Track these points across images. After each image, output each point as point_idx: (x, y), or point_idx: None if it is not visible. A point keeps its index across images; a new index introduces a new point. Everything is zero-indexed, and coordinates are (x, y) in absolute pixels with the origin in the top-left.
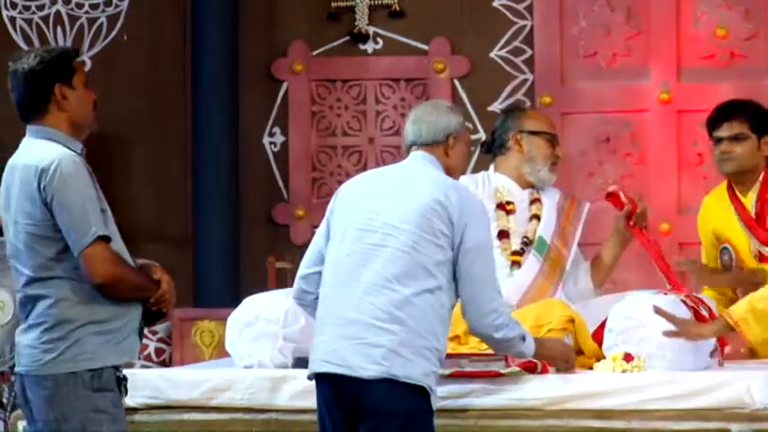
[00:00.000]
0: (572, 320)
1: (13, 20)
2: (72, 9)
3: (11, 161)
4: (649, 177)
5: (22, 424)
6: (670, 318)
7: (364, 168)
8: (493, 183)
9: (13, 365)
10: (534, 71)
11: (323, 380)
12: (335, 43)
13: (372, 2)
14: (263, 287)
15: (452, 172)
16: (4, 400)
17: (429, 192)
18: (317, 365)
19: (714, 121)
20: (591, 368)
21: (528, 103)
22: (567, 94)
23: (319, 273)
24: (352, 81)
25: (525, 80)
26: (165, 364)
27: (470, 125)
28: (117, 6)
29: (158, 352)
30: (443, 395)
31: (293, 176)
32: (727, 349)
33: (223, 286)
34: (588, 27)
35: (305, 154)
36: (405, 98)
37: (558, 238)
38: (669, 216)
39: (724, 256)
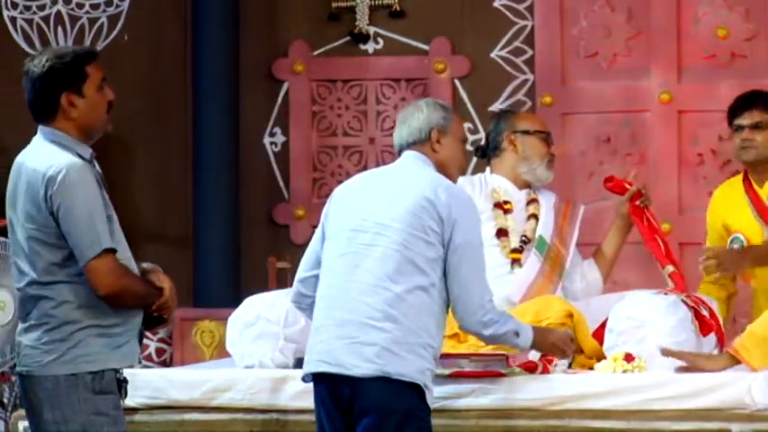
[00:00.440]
0: (570, 315)
1: (13, 20)
2: (73, 9)
3: (19, 158)
4: (650, 177)
5: (22, 424)
6: (679, 356)
7: (365, 168)
8: (489, 184)
9: (14, 365)
10: (535, 71)
11: (319, 380)
12: (336, 43)
13: (373, 2)
14: (263, 287)
15: (446, 167)
16: (5, 400)
17: (418, 190)
18: (313, 366)
19: (736, 110)
20: (591, 368)
21: (529, 103)
22: (568, 94)
23: (316, 276)
24: (353, 81)
25: (526, 80)
26: (166, 364)
27: (471, 125)
28: (118, 6)
29: (159, 352)
30: (443, 395)
31: (294, 176)
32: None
33: (223, 286)
34: (589, 27)
35: (305, 154)
36: (405, 98)
37: (557, 238)
38: (669, 216)
39: (734, 246)
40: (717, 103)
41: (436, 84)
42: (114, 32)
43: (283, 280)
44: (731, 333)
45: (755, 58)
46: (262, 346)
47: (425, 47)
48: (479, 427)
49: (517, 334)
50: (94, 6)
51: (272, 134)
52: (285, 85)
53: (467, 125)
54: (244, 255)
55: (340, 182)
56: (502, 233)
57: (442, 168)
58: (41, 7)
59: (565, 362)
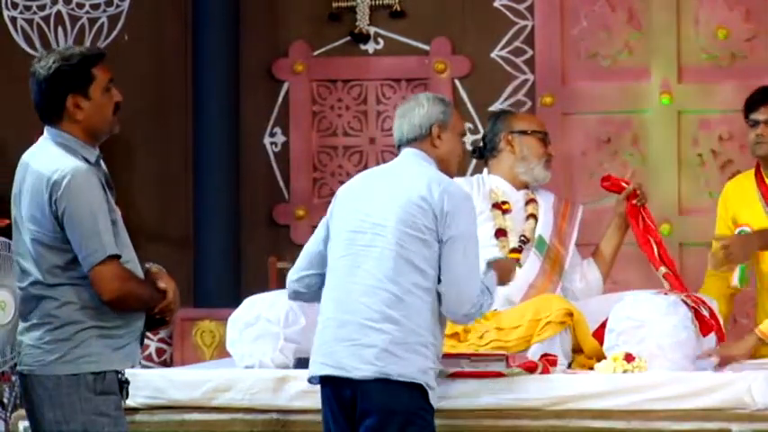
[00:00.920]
0: (570, 314)
1: (14, 20)
2: (73, 9)
3: (25, 157)
4: (650, 177)
5: (22, 424)
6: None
7: (365, 168)
8: (487, 184)
9: (14, 365)
10: (535, 71)
11: (324, 382)
12: (336, 43)
13: (373, 2)
14: (263, 287)
15: (446, 161)
16: (5, 400)
17: (413, 188)
18: (316, 368)
19: (752, 104)
20: (591, 368)
21: (529, 103)
22: (568, 94)
23: (313, 275)
24: (353, 81)
25: (526, 80)
26: (166, 364)
27: (471, 125)
28: (118, 6)
29: (159, 352)
30: (443, 395)
31: (294, 177)
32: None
33: (224, 286)
34: (589, 27)
35: (306, 154)
36: (406, 98)
37: (557, 238)
38: (669, 216)
39: None
40: (717, 103)
41: (436, 84)
42: (114, 32)
43: (284, 280)
44: (731, 333)
45: (755, 58)
46: (262, 346)
47: (426, 47)
48: (479, 427)
49: (489, 291)
50: (95, 6)
51: (272, 134)
52: (285, 86)
53: (467, 125)
54: (244, 255)
55: (340, 182)
56: (501, 233)
57: (441, 163)
58: (41, 7)
59: (565, 362)
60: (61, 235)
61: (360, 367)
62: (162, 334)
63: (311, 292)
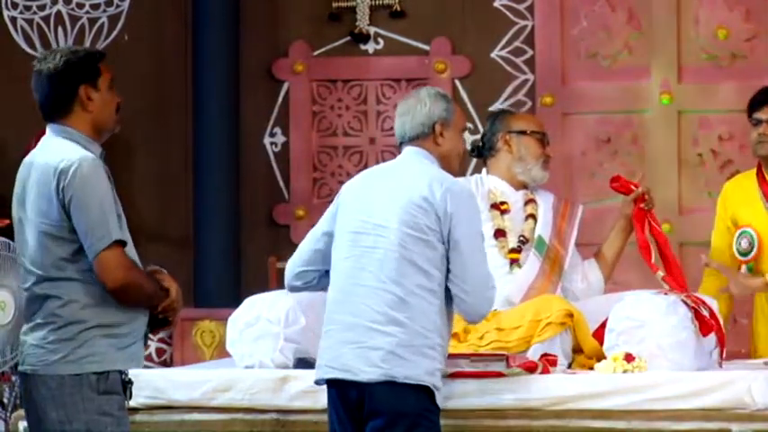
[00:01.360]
0: (570, 315)
1: (14, 20)
2: (73, 9)
3: (27, 159)
4: (650, 178)
5: (22, 424)
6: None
7: (365, 169)
8: (486, 184)
9: (15, 365)
10: (535, 71)
11: (330, 385)
12: (336, 43)
13: (373, 2)
14: (263, 287)
15: (448, 158)
16: (5, 400)
17: (415, 189)
18: (323, 371)
19: (755, 104)
20: (591, 368)
21: (529, 103)
22: (568, 94)
23: (311, 271)
24: (353, 81)
25: (526, 80)
26: (166, 364)
27: (471, 125)
28: (118, 6)
29: (159, 352)
30: (443, 395)
31: (294, 177)
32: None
33: (224, 286)
34: (589, 27)
35: (306, 154)
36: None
37: (556, 239)
38: (670, 216)
39: (742, 241)
40: (717, 103)
41: (436, 84)
42: (114, 32)
43: (283, 280)
44: (731, 333)
45: (755, 58)
46: (262, 346)
47: (426, 47)
48: (479, 427)
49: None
50: (95, 6)
51: (272, 134)
52: (285, 86)
53: (467, 125)
54: (244, 255)
55: (340, 182)
56: (500, 233)
57: (443, 161)
58: (41, 7)
59: (565, 362)
60: (68, 224)
61: (366, 370)
62: (162, 334)
63: (311, 285)
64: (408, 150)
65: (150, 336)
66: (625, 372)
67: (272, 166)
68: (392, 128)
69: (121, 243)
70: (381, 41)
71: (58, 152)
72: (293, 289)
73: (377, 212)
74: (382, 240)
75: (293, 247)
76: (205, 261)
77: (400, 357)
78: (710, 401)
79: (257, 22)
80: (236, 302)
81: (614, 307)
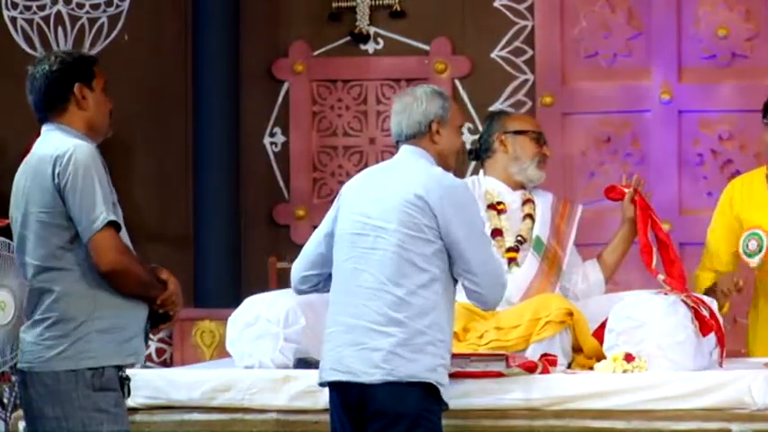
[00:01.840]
0: (570, 314)
1: (14, 20)
2: (73, 9)
3: (26, 158)
4: (650, 177)
5: (22, 424)
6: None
7: (365, 168)
8: (483, 186)
9: (14, 365)
10: (535, 71)
11: (332, 388)
12: (336, 43)
13: (373, 2)
14: (263, 287)
15: (445, 156)
16: (5, 400)
17: (409, 187)
18: (326, 374)
19: None
20: (591, 368)
21: (529, 104)
22: (568, 94)
23: (315, 275)
24: (353, 81)
25: (526, 80)
26: (166, 364)
27: (471, 125)
28: (118, 6)
29: (159, 352)
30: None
31: (294, 177)
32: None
33: (224, 286)
34: (589, 27)
35: (306, 154)
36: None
37: (554, 239)
38: (670, 216)
39: (750, 242)
40: (717, 103)
41: (436, 84)
42: (114, 32)
43: (284, 280)
44: (731, 333)
45: (755, 58)
46: (262, 346)
47: (426, 47)
48: (479, 427)
49: None
50: (94, 6)
51: (272, 134)
52: (285, 86)
53: (467, 125)
54: (244, 255)
55: (340, 182)
56: (497, 233)
57: (440, 158)
58: (41, 7)
59: (564, 361)
60: (63, 210)
61: (368, 371)
62: (162, 334)
63: (317, 289)
64: (405, 149)
65: (151, 334)
66: (625, 372)
67: (272, 166)
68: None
69: (116, 226)
70: (381, 41)
71: (53, 143)
72: (300, 293)
73: (375, 213)
74: (381, 241)
75: (293, 246)
76: (205, 261)
77: (401, 357)
78: (710, 401)
79: (257, 22)
80: (236, 302)
81: (614, 307)
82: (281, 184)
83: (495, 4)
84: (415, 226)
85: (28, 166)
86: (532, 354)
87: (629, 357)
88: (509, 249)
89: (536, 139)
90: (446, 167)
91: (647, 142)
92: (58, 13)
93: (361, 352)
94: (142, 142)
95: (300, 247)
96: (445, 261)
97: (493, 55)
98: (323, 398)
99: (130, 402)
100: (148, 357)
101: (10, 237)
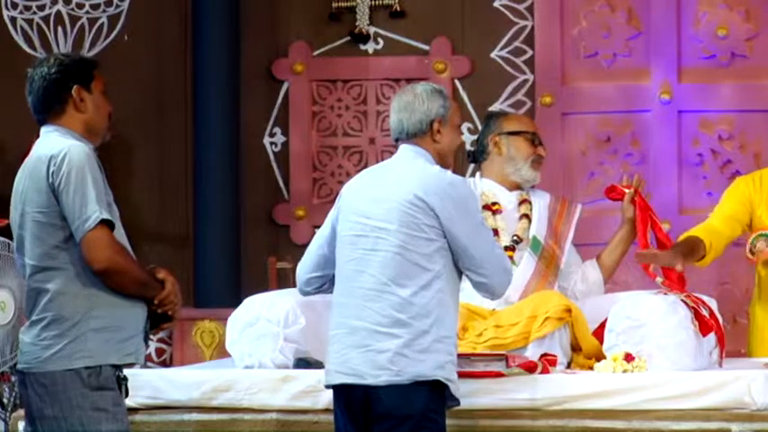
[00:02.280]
0: (569, 310)
1: (13, 20)
2: (73, 9)
3: (24, 161)
4: (650, 177)
5: (22, 424)
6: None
7: (365, 168)
8: (479, 187)
9: (14, 365)
10: (535, 71)
11: (337, 390)
12: (336, 43)
13: (373, 2)
14: (263, 287)
15: (444, 154)
16: (5, 400)
17: (409, 187)
18: (331, 377)
19: None
20: (591, 368)
21: (529, 104)
22: (568, 94)
23: (319, 277)
24: (353, 81)
25: (526, 80)
26: (166, 364)
27: (471, 125)
28: (118, 6)
29: (159, 352)
30: None
31: (294, 177)
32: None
33: (224, 286)
34: (589, 27)
35: (305, 154)
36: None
37: (552, 239)
38: (669, 216)
39: (759, 242)
40: (716, 103)
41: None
42: (114, 32)
43: (283, 280)
44: (731, 333)
45: (755, 58)
46: (262, 346)
47: (426, 47)
48: (479, 427)
49: None
50: (94, 6)
51: (272, 134)
52: (285, 86)
53: (467, 125)
54: (244, 255)
55: (340, 182)
56: (493, 233)
57: (440, 157)
58: (41, 7)
59: (564, 360)
60: (58, 209)
61: (374, 373)
62: (161, 334)
63: (322, 292)
64: (404, 149)
65: (151, 334)
66: (625, 372)
67: (272, 166)
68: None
69: (109, 224)
70: (381, 41)
71: (49, 144)
72: (306, 294)
73: (375, 214)
74: (382, 242)
75: (293, 247)
76: (205, 261)
77: (407, 357)
78: (710, 401)
79: (257, 22)
80: (235, 302)
81: (614, 307)
82: (281, 184)
83: (495, 4)
84: (416, 226)
85: (26, 167)
86: (532, 352)
87: (628, 357)
88: (505, 248)
89: (530, 140)
90: (445, 166)
91: (646, 142)
92: (58, 13)
93: (366, 354)
94: (142, 142)
95: (300, 247)
96: (448, 257)
97: (493, 55)
98: (323, 398)
99: (130, 402)
100: (148, 357)
101: (10, 237)
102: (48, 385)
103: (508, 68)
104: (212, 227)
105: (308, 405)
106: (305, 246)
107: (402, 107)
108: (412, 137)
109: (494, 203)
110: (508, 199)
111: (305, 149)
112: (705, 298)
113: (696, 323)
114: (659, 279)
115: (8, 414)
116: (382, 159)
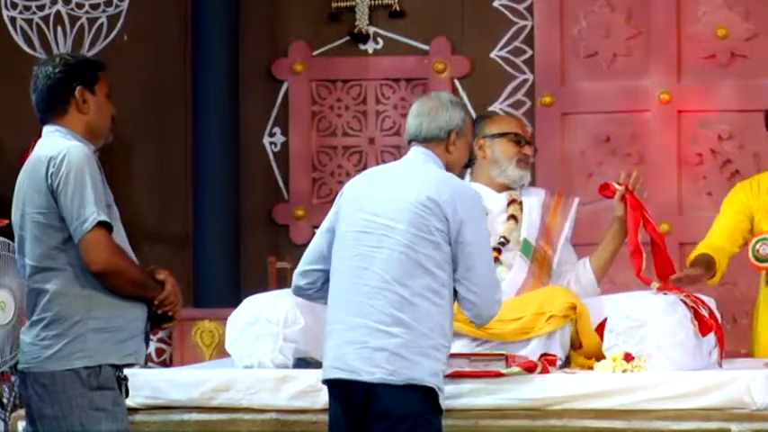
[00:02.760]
0: (574, 307)
1: (13, 20)
2: (72, 9)
3: (26, 162)
4: (649, 177)
5: (21, 424)
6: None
7: (364, 168)
8: None
9: (14, 365)
10: (534, 71)
11: (333, 385)
12: (336, 43)
13: (373, 2)
14: (263, 287)
15: (453, 167)
16: (4, 401)
17: (422, 189)
18: (327, 372)
19: None
20: (591, 368)
21: (528, 103)
22: (568, 94)
23: (318, 270)
24: (353, 81)
25: (525, 80)
26: (166, 364)
27: None
28: (117, 6)
29: (159, 352)
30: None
31: (293, 176)
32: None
33: (223, 286)
34: (588, 27)
35: (305, 154)
36: (405, 98)
37: (543, 239)
38: (669, 216)
39: (762, 247)
40: (717, 103)
41: (436, 84)
42: (114, 32)
43: (283, 280)
44: (731, 333)
45: (755, 58)
46: (261, 346)
47: (425, 47)
48: (479, 427)
49: None
50: (94, 6)
51: (271, 134)
52: (285, 85)
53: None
54: (243, 255)
55: (340, 182)
56: None
57: (449, 168)
58: (41, 7)
59: (562, 356)
60: (57, 210)
61: (371, 370)
62: (161, 334)
63: (315, 289)
64: (417, 151)
65: (152, 334)
66: (624, 371)
67: (272, 166)
68: (391, 128)
69: (107, 226)
70: (381, 41)
71: (49, 145)
72: (299, 289)
73: (383, 212)
74: (387, 240)
75: (293, 247)
76: (205, 261)
77: (405, 358)
78: (710, 401)
79: (257, 21)
80: (235, 302)
81: (614, 307)
82: (281, 183)
83: (495, 4)
84: (426, 228)
85: (26, 168)
86: (533, 350)
87: (628, 357)
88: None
89: (514, 140)
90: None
91: (646, 142)
92: (58, 13)
93: (363, 351)
94: (142, 142)
95: (300, 247)
96: (451, 266)
97: (492, 55)
98: (322, 398)
99: (130, 402)
100: (148, 357)
101: (10, 237)
102: (47, 385)
103: (508, 68)
104: (212, 227)
105: (308, 405)
106: (304, 246)
107: (424, 111)
108: (428, 141)
109: None
110: (496, 201)
111: (304, 149)
112: (704, 298)
113: (696, 323)
114: (655, 284)
115: (8, 414)
116: (382, 159)
